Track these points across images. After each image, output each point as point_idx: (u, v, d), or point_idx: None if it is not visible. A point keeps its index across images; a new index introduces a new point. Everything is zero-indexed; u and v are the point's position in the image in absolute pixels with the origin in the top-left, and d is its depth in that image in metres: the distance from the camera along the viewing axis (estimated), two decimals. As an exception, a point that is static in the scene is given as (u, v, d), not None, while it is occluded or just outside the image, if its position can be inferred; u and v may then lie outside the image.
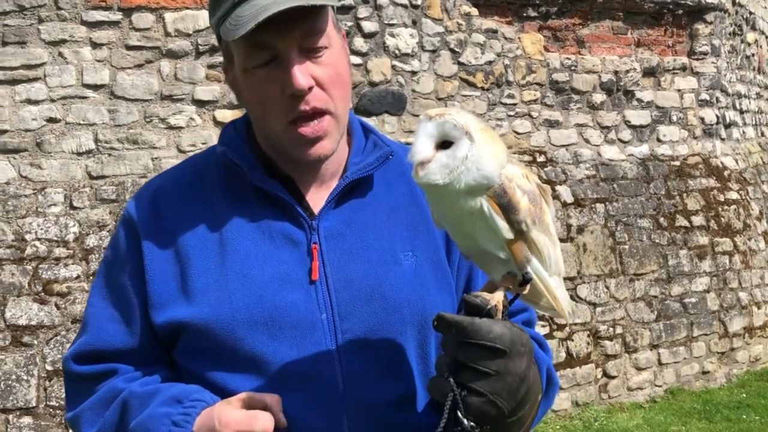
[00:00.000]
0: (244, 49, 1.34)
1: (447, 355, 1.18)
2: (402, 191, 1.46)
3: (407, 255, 1.42)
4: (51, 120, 5.00)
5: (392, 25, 5.68)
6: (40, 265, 4.75)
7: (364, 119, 1.64)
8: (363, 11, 5.62)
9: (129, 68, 5.11)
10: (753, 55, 8.50)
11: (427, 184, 1.14)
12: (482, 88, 6.17)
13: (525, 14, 6.42)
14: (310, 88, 1.34)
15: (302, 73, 1.32)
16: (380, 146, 1.49)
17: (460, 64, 6.06)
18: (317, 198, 1.44)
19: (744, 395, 6.41)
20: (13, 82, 4.97)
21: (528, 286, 1.20)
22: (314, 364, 1.34)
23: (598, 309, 6.16)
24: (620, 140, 6.79)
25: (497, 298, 1.17)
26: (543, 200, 1.20)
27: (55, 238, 4.83)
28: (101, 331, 1.43)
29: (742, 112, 8.14)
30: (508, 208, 1.14)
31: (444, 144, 1.13)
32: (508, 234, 1.15)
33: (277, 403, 1.28)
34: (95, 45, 5.06)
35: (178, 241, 1.40)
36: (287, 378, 1.32)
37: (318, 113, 1.36)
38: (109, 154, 5.05)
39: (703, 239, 6.79)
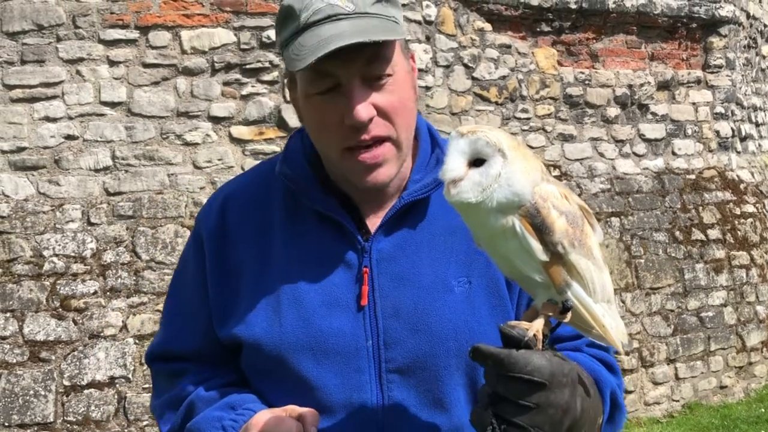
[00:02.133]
0: (307, 77, 1.33)
1: (488, 386, 1.14)
2: None
3: (461, 281, 1.38)
4: (69, 137, 5.05)
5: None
6: (58, 281, 4.79)
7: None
8: (377, 27, 5.65)
9: (146, 86, 5.16)
10: (768, 67, 8.47)
11: (459, 202, 1.11)
12: (496, 103, 6.18)
13: (538, 29, 6.44)
14: (371, 119, 1.32)
15: (363, 104, 1.30)
16: (442, 163, 1.42)
17: (473, 79, 6.08)
18: (375, 217, 1.42)
19: (763, 410, 6.35)
20: (32, 100, 5.03)
21: (569, 315, 1.14)
22: (355, 392, 1.34)
23: (614, 323, 6.13)
24: (635, 154, 6.77)
25: (536, 328, 1.12)
26: (586, 222, 1.14)
27: (73, 254, 4.87)
28: (173, 334, 1.53)
29: (757, 125, 8.11)
30: (541, 229, 1.09)
31: (476, 161, 1.10)
32: (543, 256, 1.10)
33: (312, 417, 1.30)
34: (112, 63, 5.12)
35: (239, 257, 1.43)
36: (329, 404, 1.33)
37: (378, 141, 1.34)
38: (126, 171, 5.09)
39: (720, 253, 6.75)
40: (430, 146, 1.48)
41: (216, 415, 1.38)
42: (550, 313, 1.14)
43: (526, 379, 1.09)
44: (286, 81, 1.48)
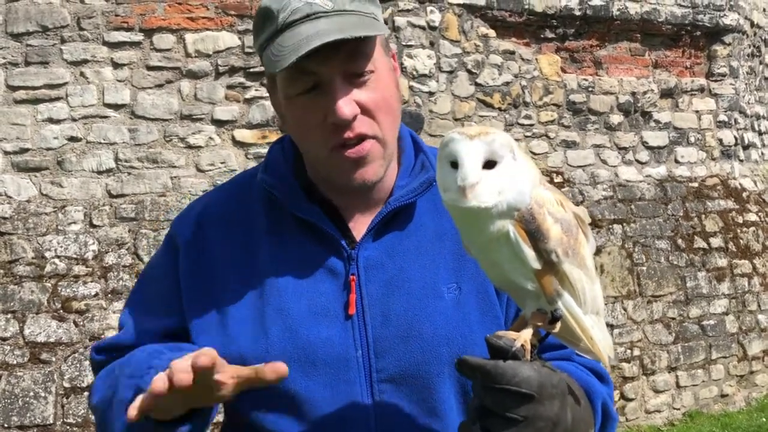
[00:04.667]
0: (286, 77, 1.31)
1: (475, 399, 1.10)
2: (450, 217, 1.40)
3: (451, 287, 1.35)
4: (72, 139, 5.06)
5: (410, 46, 5.71)
6: (59, 283, 4.79)
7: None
8: (381, 32, 5.65)
9: (149, 88, 5.16)
10: (771, 76, 8.47)
11: (477, 207, 1.04)
12: (499, 109, 6.18)
13: (542, 36, 6.44)
14: (354, 117, 1.29)
15: (346, 102, 1.28)
16: (427, 168, 1.41)
17: (477, 84, 6.08)
18: (360, 223, 1.39)
19: (764, 419, 6.33)
20: (36, 101, 5.04)
21: (558, 325, 1.11)
22: (347, 404, 1.30)
23: (616, 331, 6.12)
24: (638, 161, 6.77)
25: (524, 338, 1.09)
26: (580, 231, 1.10)
27: (75, 256, 4.87)
28: (131, 334, 1.45)
29: (760, 133, 8.10)
30: (536, 236, 1.05)
31: (487, 164, 1.05)
32: (536, 264, 1.06)
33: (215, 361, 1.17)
34: (116, 65, 5.12)
35: (218, 269, 1.39)
36: (320, 417, 1.29)
37: (362, 138, 1.31)
38: (129, 173, 5.10)
39: (722, 261, 6.74)
40: (413, 152, 1.46)
41: (145, 357, 1.31)
42: (539, 323, 1.11)
43: (514, 391, 1.06)
44: (266, 85, 1.44)
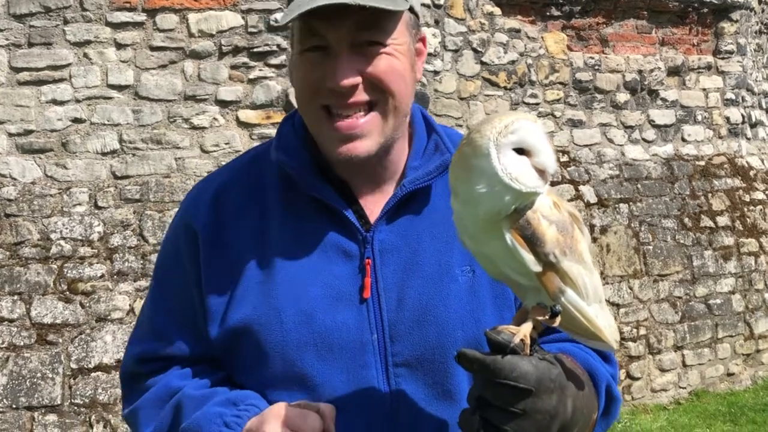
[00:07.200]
0: (300, 31, 1.30)
1: (475, 389, 1.12)
2: None
3: (464, 270, 1.35)
4: (76, 120, 5.04)
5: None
6: (65, 264, 4.79)
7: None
8: (385, 11, 5.61)
9: (153, 69, 5.14)
10: (779, 53, 8.40)
11: (537, 191, 1.09)
12: (505, 88, 6.14)
13: (548, 13, 6.39)
14: (353, 87, 1.27)
15: (346, 70, 1.26)
16: (441, 150, 1.40)
17: (482, 63, 6.04)
18: (374, 205, 1.37)
19: (770, 398, 6.34)
20: (39, 82, 5.02)
21: (558, 319, 1.13)
22: (363, 387, 1.30)
23: (622, 310, 6.12)
24: (644, 140, 6.74)
25: (524, 332, 1.11)
26: (576, 228, 1.13)
27: (80, 238, 4.87)
28: (161, 337, 1.42)
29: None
30: (533, 240, 1.08)
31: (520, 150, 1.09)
32: (536, 267, 1.09)
33: (331, 412, 1.24)
34: (120, 46, 5.10)
35: (233, 252, 1.36)
36: (336, 400, 1.28)
37: (359, 105, 1.29)
38: (134, 154, 5.09)
39: (729, 240, 6.72)
40: (425, 132, 1.43)
41: (216, 411, 1.30)
42: (540, 317, 1.13)
43: (513, 386, 1.08)
44: (290, 41, 1.42)
